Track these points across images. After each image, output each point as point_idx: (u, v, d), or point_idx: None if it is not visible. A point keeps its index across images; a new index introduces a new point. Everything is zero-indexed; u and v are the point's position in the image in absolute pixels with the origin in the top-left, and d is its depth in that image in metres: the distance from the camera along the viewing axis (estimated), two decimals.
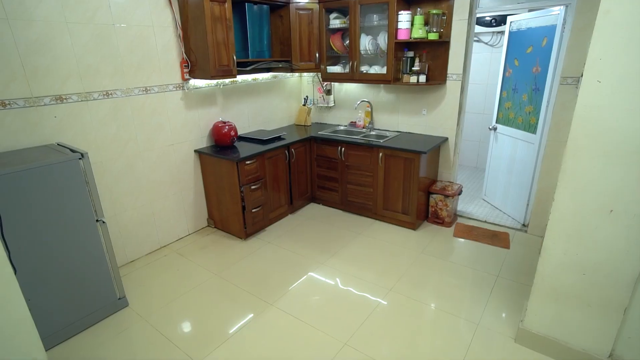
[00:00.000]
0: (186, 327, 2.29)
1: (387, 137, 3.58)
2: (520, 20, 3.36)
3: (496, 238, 3.21)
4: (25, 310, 1.30)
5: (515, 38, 3.47)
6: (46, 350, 2.03)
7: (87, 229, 2.17)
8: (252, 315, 2.36)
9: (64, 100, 2.39)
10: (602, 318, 1.79)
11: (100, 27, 2.49)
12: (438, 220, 3.48)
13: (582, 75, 1.58)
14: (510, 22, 3.49)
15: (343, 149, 3.56)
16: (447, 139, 3.48)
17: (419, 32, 3.13)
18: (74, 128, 2.47)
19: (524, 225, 3.43)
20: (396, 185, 3.34)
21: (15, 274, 1.29)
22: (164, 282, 2.72)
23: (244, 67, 3.26)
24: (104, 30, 2.52)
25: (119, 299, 2.41)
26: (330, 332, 2.19)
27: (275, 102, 4.08)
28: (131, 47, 2.68)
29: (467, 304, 2.40)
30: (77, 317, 2.22)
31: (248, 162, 3.10)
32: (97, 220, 2.20)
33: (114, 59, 2.60)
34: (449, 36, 3.18)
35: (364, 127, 3.94)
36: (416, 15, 3.14)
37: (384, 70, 3.43)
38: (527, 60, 3.28)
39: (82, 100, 2.48)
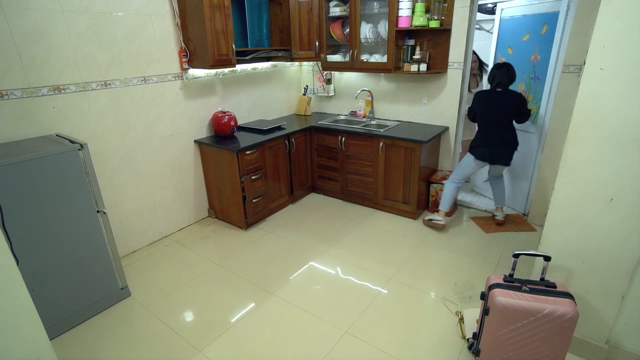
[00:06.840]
0: (188, 316, 2.31)
1: (387, 126, 3.56)
2: (513, 7, 3.29)
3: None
4: (28, 301, 1.31)
5: (508, 25, 3.40)
6: (50, 340, 2.05)
7: (88, 220, 2.17)
8: (253, 304, 2.38)
9: (62, 91, 2.37)
10: (600, 305, 1.80)
11: (97, 16, 2.46)
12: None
13: (584, 63, 1.56)
14: (501, 9, 3.41)
15: (343, 138, 3.55)
16: (447, 128, 3.47)
17: (420, 20, 3.09)
18: (73, 119, 2.46)
19: (524, 214, 3.44)
20: (397, 175, 3.34)
21: (17, 264, 1.30)
22: (165, 272, 2.74)
23: (243, 56, 3.22)
24: (101, 19, 2.48)
25: (121, 288, 2.43)
26: (331, 321, 2.21)
27: (274, 91, 4.05)
28: (129, 36, 2.64)
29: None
30: (80, 307, 2.24)
31: (248, 152, 3.09)
32: (97, 211, 2.21)
33: (112, 49, 2.57)
34: (450, 24, 3.14)
35: (364, 117, 3.91)
36: (417, 2, 3.09)
37: (384, 59, 3.39)
38: (523, 48, 3.24)
39: (80, 91, 2.46)
